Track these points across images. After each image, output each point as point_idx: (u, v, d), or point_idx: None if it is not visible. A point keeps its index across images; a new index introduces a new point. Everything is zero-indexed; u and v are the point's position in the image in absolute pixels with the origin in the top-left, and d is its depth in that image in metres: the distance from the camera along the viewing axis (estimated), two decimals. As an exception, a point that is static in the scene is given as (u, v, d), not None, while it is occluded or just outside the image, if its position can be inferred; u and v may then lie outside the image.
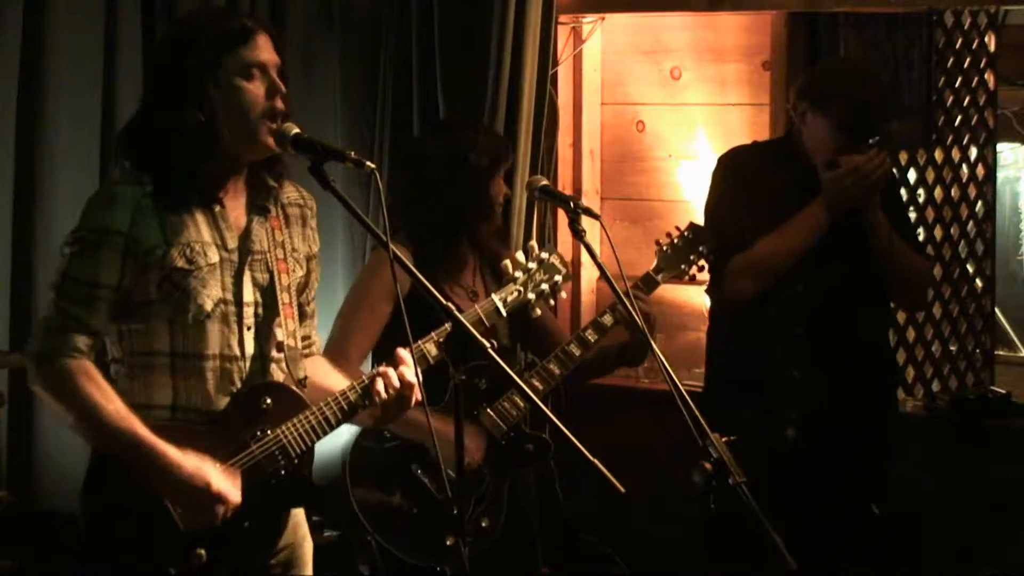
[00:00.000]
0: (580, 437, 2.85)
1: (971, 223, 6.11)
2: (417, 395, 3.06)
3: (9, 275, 4.13)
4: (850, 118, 3.99)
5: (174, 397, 2.96)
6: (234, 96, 2.91)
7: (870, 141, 3.96)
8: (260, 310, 3.01)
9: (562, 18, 5.20)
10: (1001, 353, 6.73)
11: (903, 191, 5.86)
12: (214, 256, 2.95)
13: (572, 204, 3.44)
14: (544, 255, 3.37)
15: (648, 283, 3.88)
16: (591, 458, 2.82)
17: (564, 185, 5.29)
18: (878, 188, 4.01)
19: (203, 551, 2.93)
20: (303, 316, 3.14)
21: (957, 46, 5.98)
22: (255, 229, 3.02)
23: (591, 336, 3.84)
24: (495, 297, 3.32)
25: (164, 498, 2.90)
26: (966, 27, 6.00)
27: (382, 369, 3.05)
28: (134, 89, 4.29)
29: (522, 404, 3.79)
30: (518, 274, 3.34)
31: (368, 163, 2.87)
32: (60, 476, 4.02)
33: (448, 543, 3.70)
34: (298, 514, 3.16)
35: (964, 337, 6.07)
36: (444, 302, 2.83)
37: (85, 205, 2.95)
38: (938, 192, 6.02)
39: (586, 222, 3.40)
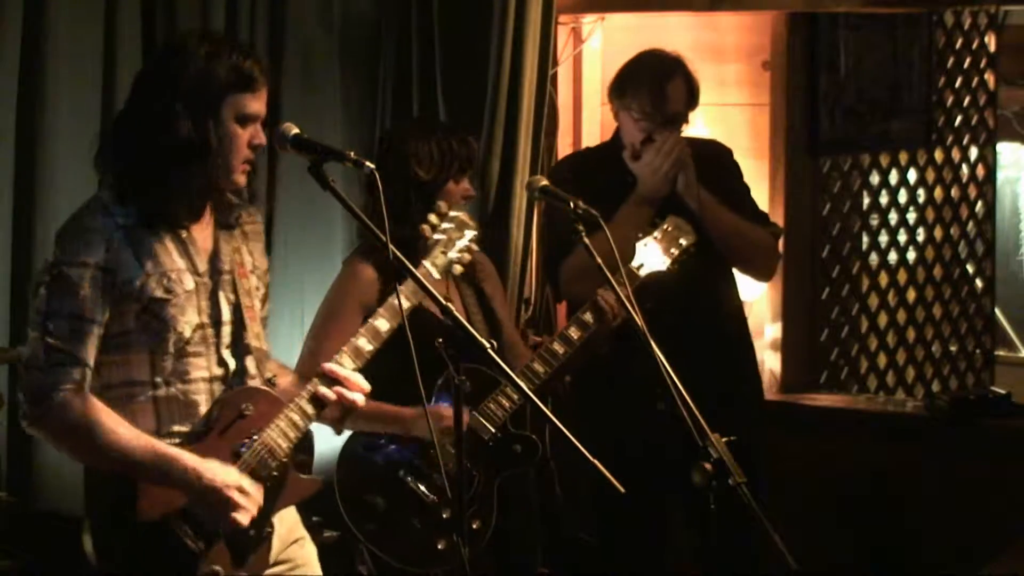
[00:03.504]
0: (580, 437, 2.85)
1: (971, 223, 6.13)
2: (360, 400, 3.08)
3: (9, 275, 4.13)
4: (647, 106, 4.12)
5: (157, 422, 2.96)
6: (226, 137, 2.94)
7: (669, 128, 4.11)
8: (234, 328, 3.03)
9: (562, 18, 5.19)
10: (1001, 353, 6.75)
11: (903, 191, 5.88)
12: (189, 283, 2.97)
13: (572, 204, 3.44)
14: (455, 213, 3.38)
15: (629, 278, 3.87)
16: (591, 458, 2.82)
17: (564, 185, 5.28)
18: (680, 167, 4.13)
19: (219, 567, 2.95)
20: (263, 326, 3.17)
21: (957, 46, 5.99)
22: (223, 248, 3.04)
23: (574, 333, 3.85)
24: (426, 263, 3.33)
25: (193, 504, 2.90)
26: (966, 27, 6.01)
27: (321, 391, 3.06)
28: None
29: (507, 405, 3.78)
30: (437, 236, 3.35)
31: (368, 163, 2.88)
32: (60, 476, 4.02)
33: (440, 547, 3.70)
34: (295, 529, 3.17)
35: (964, 337, 6.09)
36: (444, 302, 2.84)
37: (58, 238, 2.95)
38: (938, 192, 6.04)
39: (586, 222, 3.41)
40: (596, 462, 2.82)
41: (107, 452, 2.87)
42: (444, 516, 3.71)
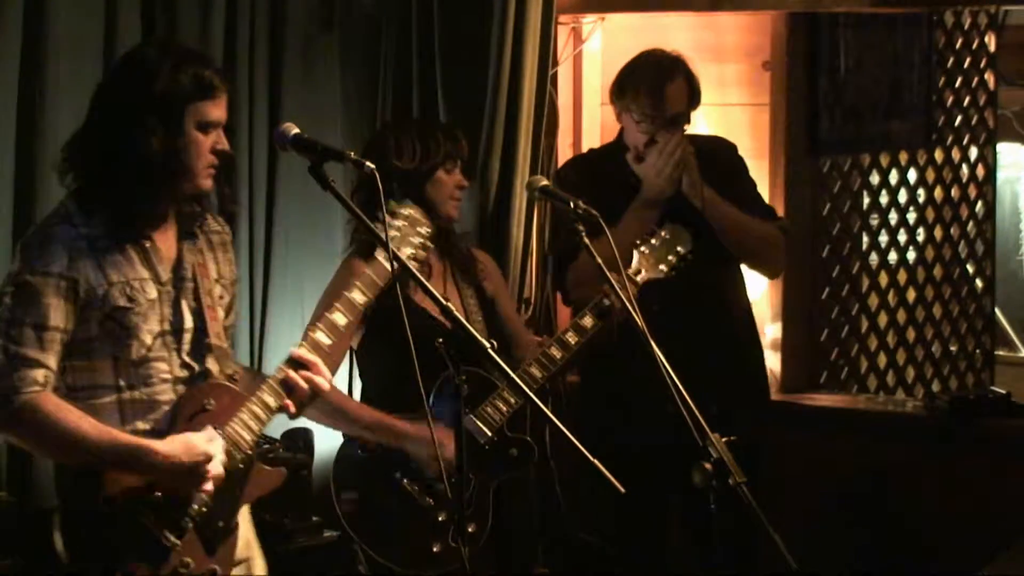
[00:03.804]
0: (580, 437, 2.85)
1: (971, 223, 6.12)
2: (325, 385, 3.11)
3: (9, 275, 4.13)
4: (647, 108, 4.11)
5: (122, 422, 3.01)
6: (188, 144, 3.00)
7: (670, 128, 4.08)
8: (196, 335, 3.09)
9: (562, 18, 5.19)
10: (1001, 353, 6.75)
11: (903, 191, 5.88)
12: (152, 292, 3.03)
13: (572, 204, 3.44)
14: (406, 211, 3.35)
15: (628, 283, 3.85)
16: (591, 458, 2.82)
17: (564, 185, 5.28)
18: (683, 167, 4.12)
19: (190, 559, 2.98)
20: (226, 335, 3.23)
21: (957, 46, 5.99)
22: (185, 256, 3.10)
23: (571, 338, 3.83)
24: (379, 257, 3.27)
25: (167, 484, 2.95)
26: (966, 27, 6.01)
27: (291, 375, 3.09)
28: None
29: (504, 408, 3.77)
30: (393, 232, 3.31)
31: (368, 163, 2.89)
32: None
33: (435, 550, 3.70)
34: (248, 532, 3.22)
35: (964, 337, 6.08)
36: (444, 302, 2.85)
37: (20, 248, 3.01)
38: (938, 192, 6.04)
39: (586, 222, 3.41)
40: (596, 462, 2.82)
41: (73, 447, 2.92)
42: (439, 519, 3.71)
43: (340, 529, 3.81)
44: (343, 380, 3.99)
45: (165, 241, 3.08)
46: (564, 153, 5.32)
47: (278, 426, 4.60)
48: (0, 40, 4.05)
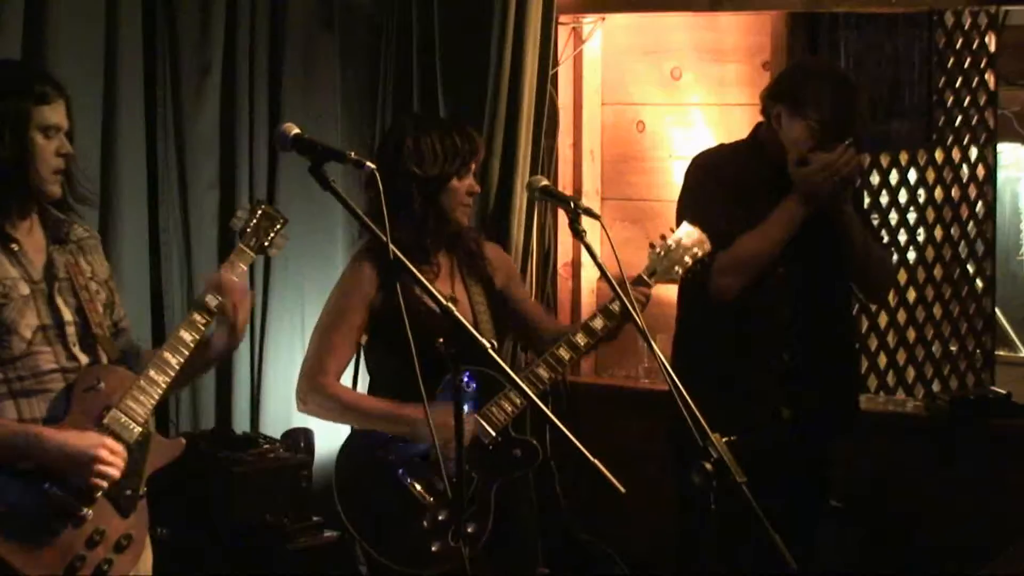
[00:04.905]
0: (580, 437, 2.85)
1: (971, 223, 6.13)
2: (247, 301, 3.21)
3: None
4: (828, 122, 4.04)
5: (18, 413, 3.08)
6: (33, 148, 3.08)
7: (846, 143, 4.01)
8: (80, 328, 3.17)
9: (562, 18, 5.19)
10: (1001, 353, 6.75)
11: (903, 191, 5.89)
12: (25, 289, 3.11)
13: (572, 204, 3.45)
14: (262, 208, 3.34)
15: (639, 285, 3.85)
16: (591, 458, 2.82)
17: (564, 185, 5.29)
18: (849, 184, 4.08)
19: (105, 526, 3.06)
20: (119, 333, 3.30)
21: (957, 46, 5.99)
22: (55, 259, 3.18)
23: (581, 340, 3.81)
24: (242, 245, 3.30)
25: (64, 472, 3.02)
26: (966, 27, 6.02)
27: (217, 300, 3.18)
28: (134, 89, 4.30)
29: (510, 409, 3.76)
30: (249, 228, 3.31)
31: (368, 163, 2.90)
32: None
33: (434, 549, 3.70)
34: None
35: (964, 337, 6.09)
36: (444, 302, 2.84)
37: None
38: (938, 192, 6.05)
39: (586, 222, 3.42)
40: (596, 462, 2.82)
41: None
42: (440, 518, 3.71)
43: (340, 527, 3.81)
44: (347, 376, 3.99)
45: (33, 245, 3.16)
46: (564, 153, 5.33)
47: (279, 426, 4.61)
48: (0, 42, 4.05)
